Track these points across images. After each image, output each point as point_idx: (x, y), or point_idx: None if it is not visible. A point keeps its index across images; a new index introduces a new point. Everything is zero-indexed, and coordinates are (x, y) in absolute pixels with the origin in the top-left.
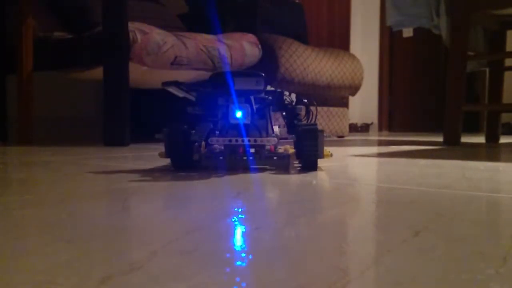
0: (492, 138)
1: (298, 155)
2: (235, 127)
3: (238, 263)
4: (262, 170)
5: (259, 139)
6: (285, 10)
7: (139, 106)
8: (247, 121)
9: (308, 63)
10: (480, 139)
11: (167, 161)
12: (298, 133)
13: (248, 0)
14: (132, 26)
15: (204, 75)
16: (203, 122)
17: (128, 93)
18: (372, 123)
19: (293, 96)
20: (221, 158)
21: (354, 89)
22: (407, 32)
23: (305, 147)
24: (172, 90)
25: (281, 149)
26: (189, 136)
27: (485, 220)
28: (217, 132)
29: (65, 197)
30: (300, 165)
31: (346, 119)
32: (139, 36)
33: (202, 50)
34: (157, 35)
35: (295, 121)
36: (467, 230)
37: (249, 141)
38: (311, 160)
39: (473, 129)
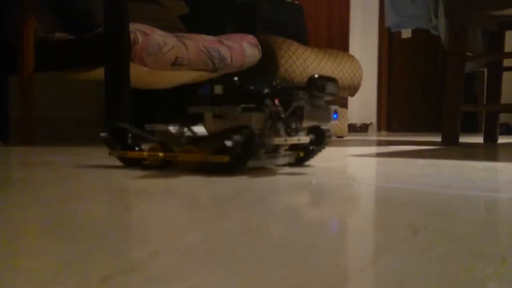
0: (490, 138)
1: (309, 151)
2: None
3: (238, 262)
4: (263, 167)
5: (298, 138)
6: (285, 11)
7: (140, 107)
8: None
9: (307, 63)
10: (479, 139)
11: None
12: (317, 132)
13: (248, 1)
14: (133, 27)
15: (204, 76)
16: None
17: (129, 94)
18: (371, 123)
19: None
20: None
21: (353, 89)
22: (406, 33)
23: (323, 145)
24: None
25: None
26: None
27: (484, 220)
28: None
29: (66, 197)
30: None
31: (345, 119)
32: (140, 37)
33: (202, 51)
34: (158, 36)
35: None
36: (466, 229)
37: (298, 140)
38: (314, 155)
39: (472, 129)
